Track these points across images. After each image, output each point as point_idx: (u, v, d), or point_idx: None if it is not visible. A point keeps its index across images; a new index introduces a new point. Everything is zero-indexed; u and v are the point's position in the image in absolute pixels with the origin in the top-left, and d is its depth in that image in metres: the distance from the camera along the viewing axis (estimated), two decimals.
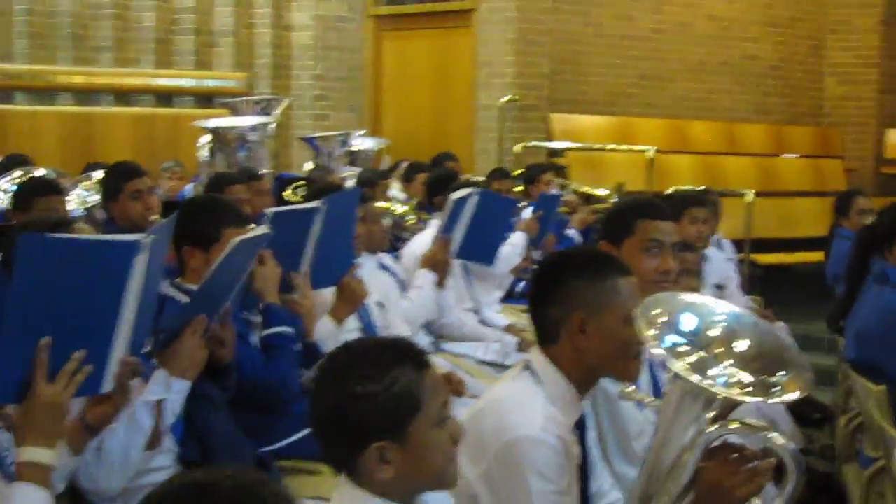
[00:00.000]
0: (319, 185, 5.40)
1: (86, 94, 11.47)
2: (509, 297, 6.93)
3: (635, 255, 3.59)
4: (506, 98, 11.54)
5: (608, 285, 2.82)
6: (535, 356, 2.88)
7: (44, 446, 2.56)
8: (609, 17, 12.44)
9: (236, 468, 1.56)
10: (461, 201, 5.67)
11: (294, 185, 7.65)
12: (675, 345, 2.41)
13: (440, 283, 5.64)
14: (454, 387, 4.71)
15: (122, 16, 11.69)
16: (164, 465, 3.26)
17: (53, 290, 2.53)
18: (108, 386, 2.75)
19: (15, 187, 6.23)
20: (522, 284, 6.97)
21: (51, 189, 4.96)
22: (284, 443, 3.93)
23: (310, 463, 3.85)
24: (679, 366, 2.35)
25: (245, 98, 9.40)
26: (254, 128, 7.87)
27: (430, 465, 2.21)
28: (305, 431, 3.96)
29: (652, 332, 2.41)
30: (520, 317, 6.42)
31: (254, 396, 3.74)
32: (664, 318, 2.45)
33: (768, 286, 9.41)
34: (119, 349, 2.73)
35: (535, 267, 6.84)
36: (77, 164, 8.76)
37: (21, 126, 10.83)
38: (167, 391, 3.10)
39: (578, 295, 2.83)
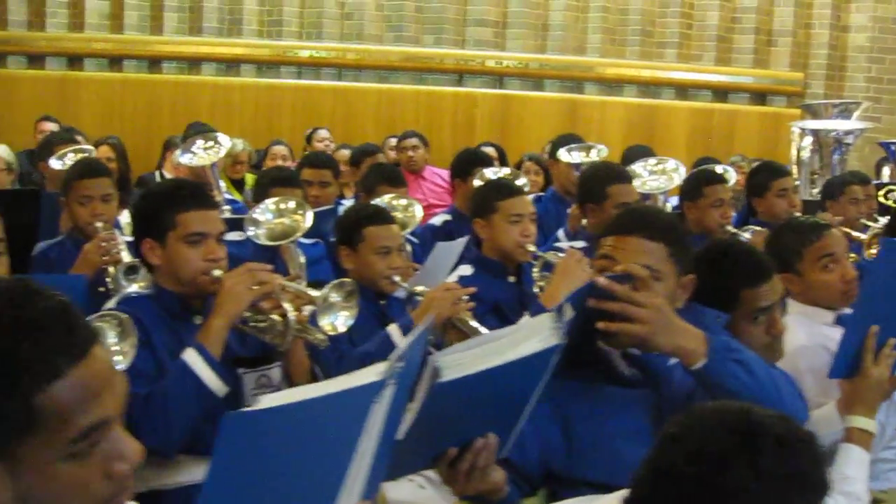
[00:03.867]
0: None
1: (650, 87, 12.16)
2: None
3: None
4: None
5: None
6: None
7: (868, 416, 3.01)
8: None
9: None
10: None
11: (886, 188, 7.80)
12: None
13: None
14: None
15: (688, 14, 12.25)
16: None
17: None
18: None
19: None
20: None
21: (623, 177, 5.32)
22: None
23: None
24: None
25: (825, 102, 9.60)
26: (849, 131, 8.10)
27: None
28: None
29: None
30: None
31: None
32: None
33: None
34: None
35: None
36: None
37: (591, 114, 11.73)
38: None
39: None
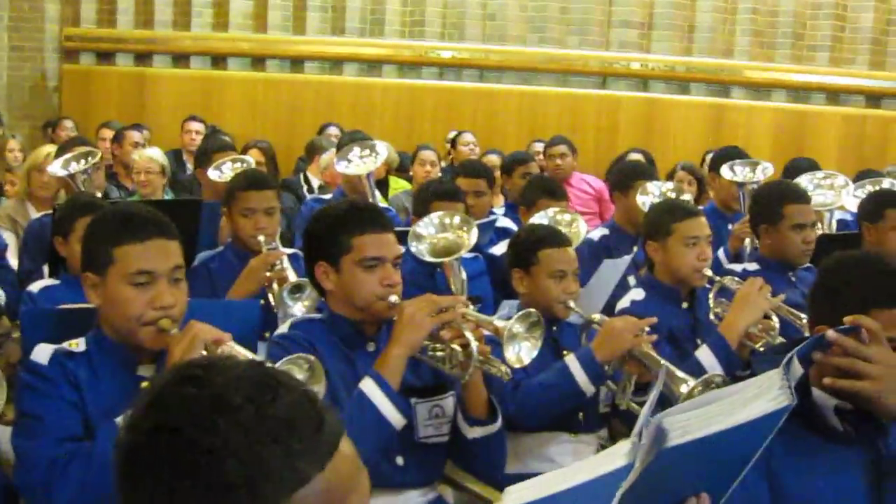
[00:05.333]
0: None
1: (799, 92, 11.78)
2: None
3: None
4: None
5: None
6: None
7: None
8: None
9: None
10: None
11: None
12: None
13: None
14: None
15: (841, 16, 11.82)
16: None
17: None
18: None
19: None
20: None
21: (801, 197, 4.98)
22: None
23: None
24: None
25: None
26: None
27: None
28: None
29: None
30: None
31: None
32: None
33: None
34: None
35: None
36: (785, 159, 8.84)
37: (738, 119, 11.43)
38: None
39: None
